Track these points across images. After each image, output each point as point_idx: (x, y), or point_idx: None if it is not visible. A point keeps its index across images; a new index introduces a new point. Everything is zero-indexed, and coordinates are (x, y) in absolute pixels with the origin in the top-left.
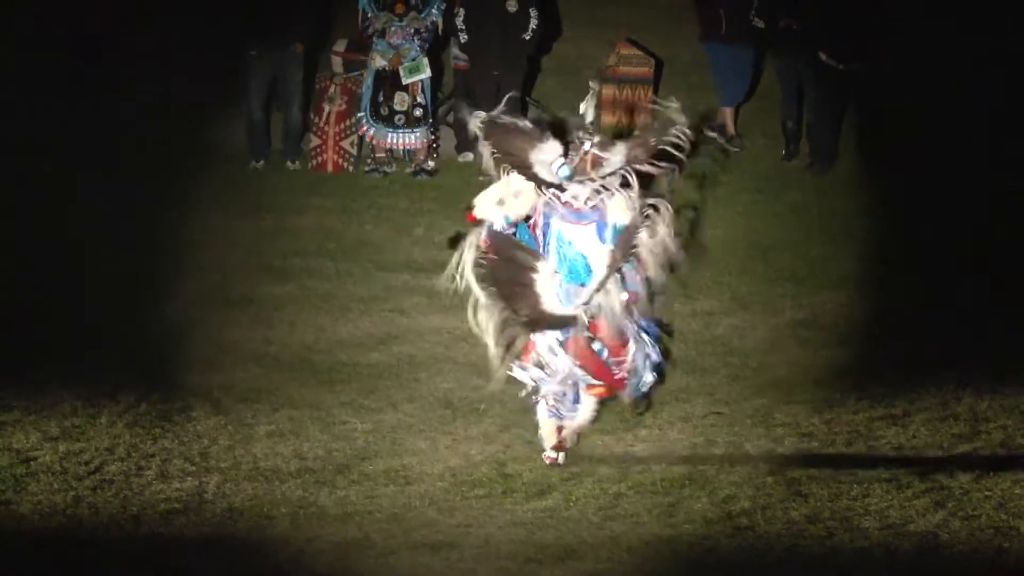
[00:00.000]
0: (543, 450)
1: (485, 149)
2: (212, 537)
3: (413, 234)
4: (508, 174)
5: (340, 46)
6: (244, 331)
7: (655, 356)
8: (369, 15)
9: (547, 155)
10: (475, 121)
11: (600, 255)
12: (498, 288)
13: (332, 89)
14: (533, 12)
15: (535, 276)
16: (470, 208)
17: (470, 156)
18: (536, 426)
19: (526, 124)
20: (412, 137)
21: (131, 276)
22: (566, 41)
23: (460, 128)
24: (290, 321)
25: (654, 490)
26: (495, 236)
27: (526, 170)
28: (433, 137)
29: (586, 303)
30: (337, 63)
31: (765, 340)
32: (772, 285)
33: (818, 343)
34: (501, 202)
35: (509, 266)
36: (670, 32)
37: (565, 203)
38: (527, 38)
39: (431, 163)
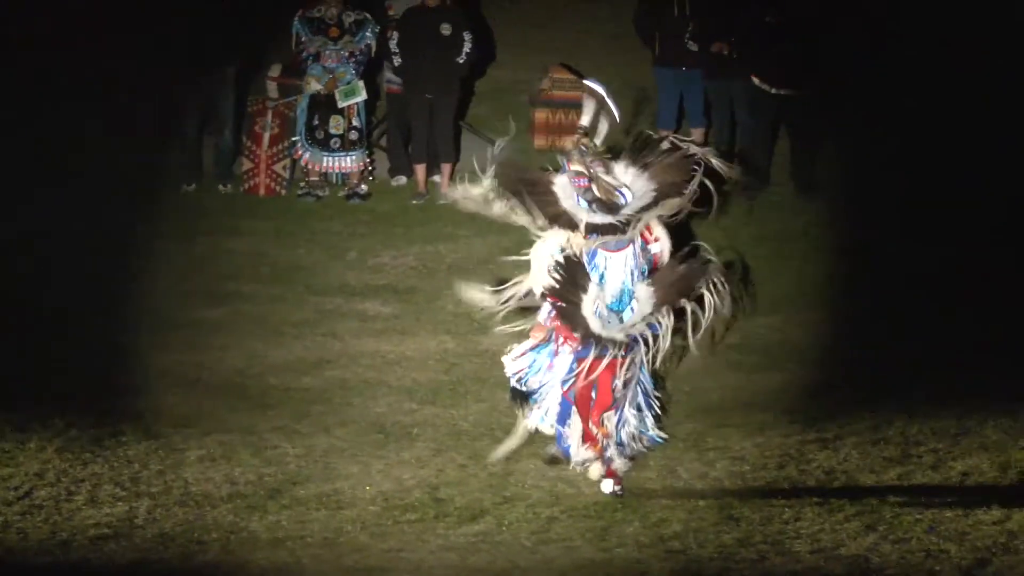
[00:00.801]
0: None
1: (510, 201)
2: (142, 563)
3: (346, 258)
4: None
5: (275, 71)
6: (176, 355)
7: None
8: (303, 39)
9: (565, 191)
10: (491, 171)
11: (643, 291)
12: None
13: (268, 114)
14: (467, 36)
15: (584, 296)
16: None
17: (403, 180)
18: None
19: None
20: (347, 160)
21: (62, 299)
22: (500, 65)
23: (393, 152)
24: (222, 345)
25: (587, 514)
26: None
27: (561, 216)
28: (367, 160)
29: (628, 332)
30: (272, 88)
31: (698, 364)
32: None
33: (750, 367)
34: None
35: (569, 286)
36: (603, 58)
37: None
38: (461, 61)
39: (364, 187)
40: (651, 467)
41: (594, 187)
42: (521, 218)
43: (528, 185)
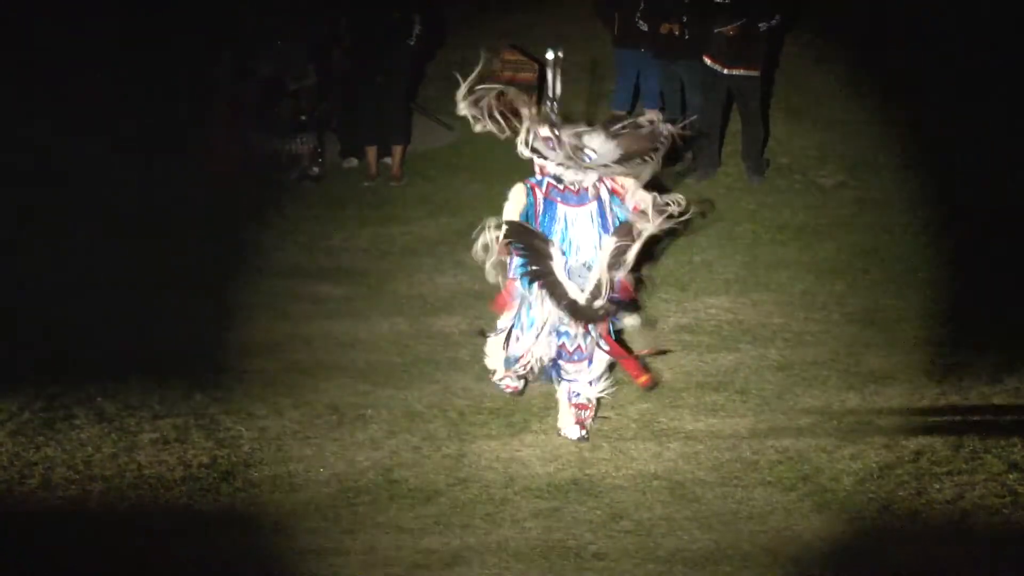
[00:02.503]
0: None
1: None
2: (95, 546)
3: (298, 240)
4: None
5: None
6: (127, 337)
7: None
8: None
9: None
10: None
11: (604, 243)
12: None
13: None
14: (416, 18)
15: (553, 262)
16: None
17: (354, 162)
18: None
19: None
20: (297, 143)
21: (12, 280)
22: (450, 47)
23: (344, 134)
24: (174, 328)
25: (540, 495)
26: (516, 230)
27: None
28: (318, 143)
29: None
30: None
31: (649, 345)
32: (655, 290)
33: (702, 347)
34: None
35: (535, 256)
36: (554, 39)
37: (564, 188)
38: (411, 44)
39: (316, 169)
40: (604, 448)
41: (559, 148)
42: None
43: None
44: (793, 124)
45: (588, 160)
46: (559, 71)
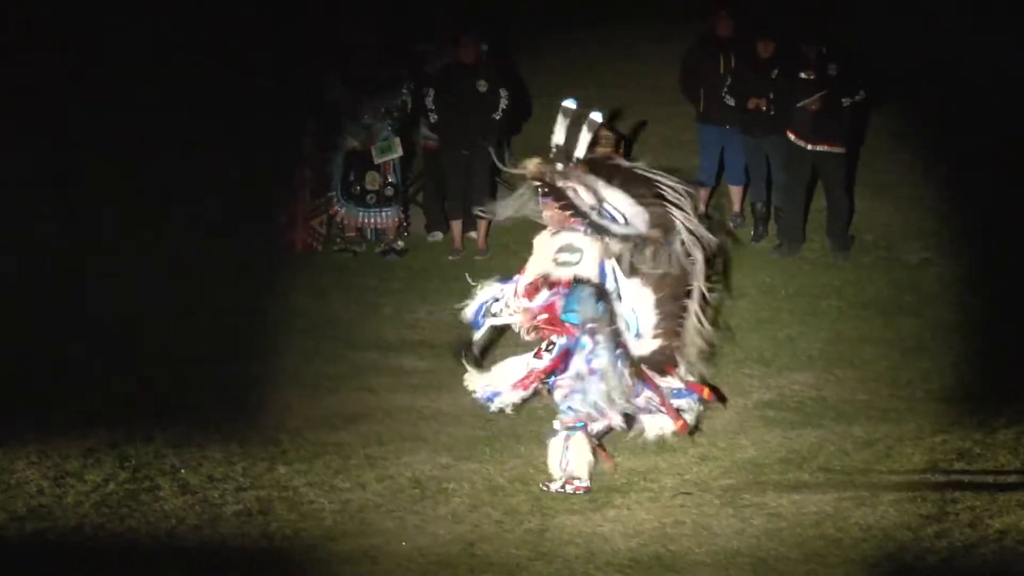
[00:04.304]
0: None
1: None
2: None
3: (382, 313)
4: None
5: (311, 127)
6: (211, 411)
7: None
8: (338, 95)
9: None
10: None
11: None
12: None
13: (304, 170)
14: (503, 92)
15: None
16: None
17: (439, 235)
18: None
19: None
20: (383, 216)
21: (97, 354)
22: (536, 121)
23: (429, 208)
24: (258, 400)
25: (622, 571)
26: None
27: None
28: (403, 216)
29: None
30: (307, 144)
31: (733, 421)
32: (740, 365)
33: (785, 424)
34: None
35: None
36: (640, 114)
37: None
38: (497, 118)
39: (400, 243)
40: (686, 523)
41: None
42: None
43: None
44: (877, 200)
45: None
46: (568, 122)
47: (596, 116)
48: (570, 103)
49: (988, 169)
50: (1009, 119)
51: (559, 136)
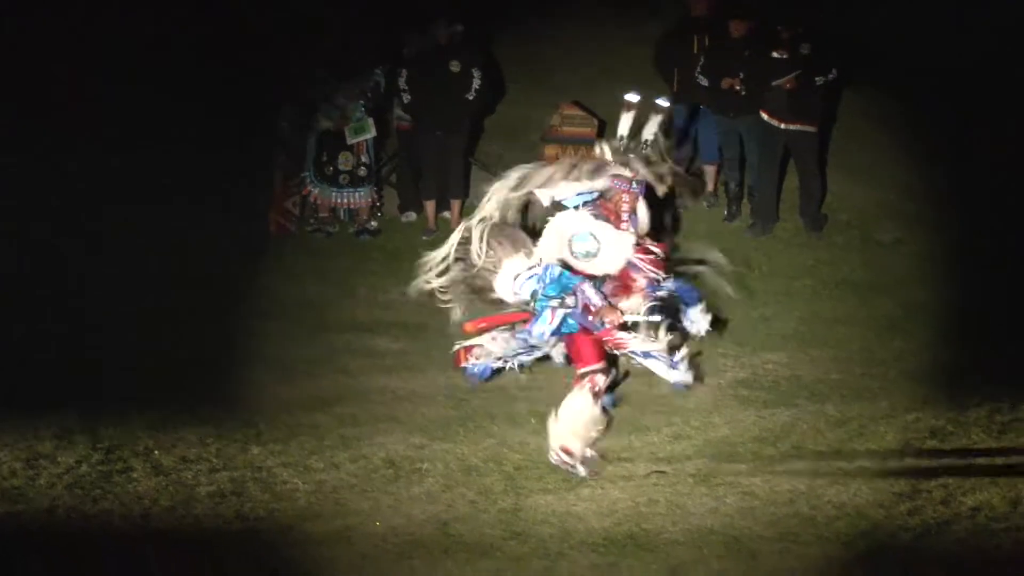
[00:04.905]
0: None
1: None
2: None
3: (356, 294)
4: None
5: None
6: (185, 392)
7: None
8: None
9: None
10: None
11: None
12: None
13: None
14: (476, 72)
15: None
16: None
17: (413, 216)
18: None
19: None
20: (356, 196)
21: (70, 337)
22: (510, 102)
23: (403, 188)
24: (232, 382)
25: (596, 550)
26: None
27: None
28: (376, 197)
29: None
30: (284, 126)
31: (707, 400)
32: (714, 345)
33: (759, 403)
34: None
35: None
36: (613, 93)
37: None
38: (470, 98)
39: (374, 223)
40: (660, 502)
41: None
42: None
43: None
44: (852, 180)
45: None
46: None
47: (662, 101)
48: (632, 97)
49: (961, 150)
50: (983, 101)
51: (624, 128)
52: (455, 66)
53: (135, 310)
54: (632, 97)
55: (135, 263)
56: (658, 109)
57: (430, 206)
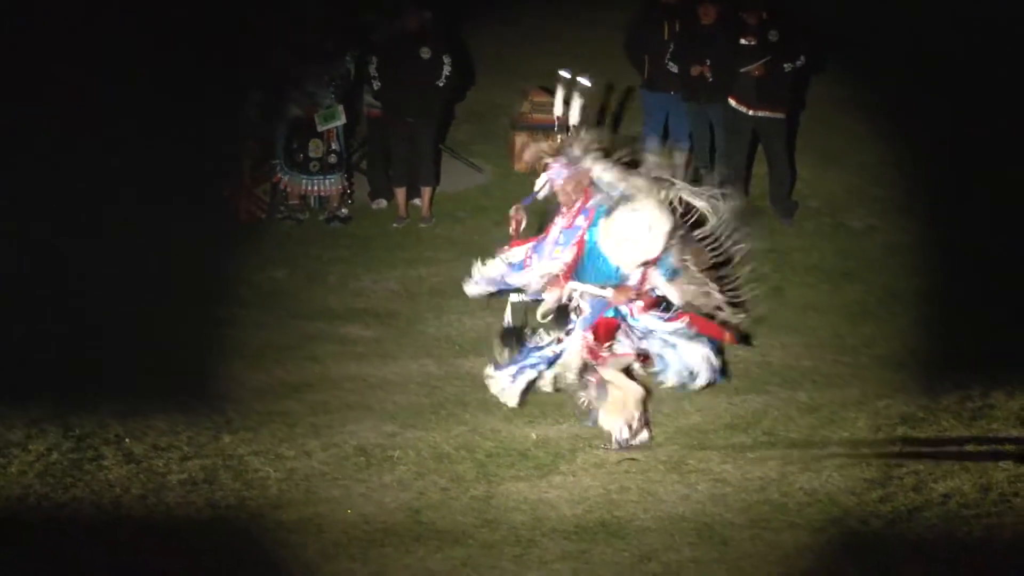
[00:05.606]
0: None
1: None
2: None
3: (327, 281)
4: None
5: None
6: (155, 381)
7: None
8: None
9: None
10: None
11: None
12: None
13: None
14: (446, 59)
15: None
16: None
17: (383, 203)
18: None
19: None
20: (326, 183)
21: (41, 325)
22: (479, 89)
23: (374, 175)
24: (203, 370)
25: (567, 537)
26: None
27: None
28: (347, 184)
29: None
30: (252, 113)
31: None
32: None
33: (730, 390)
34: None
35: None
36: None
37: None
38: (440, 85)
39: (344, 210)
40: (632, 489)
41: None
42: None
43: None
44: (822, 167)
45: None
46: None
47: (585, 81)
48: (564, 72)
49: (933, 136)
50: (956, 85)
51: (558, 108)
52: (425, 53)
53: (103, 298)
54: (563, 73)
55: (100, 250)
56: (582, 89)
57: (401, 193)
